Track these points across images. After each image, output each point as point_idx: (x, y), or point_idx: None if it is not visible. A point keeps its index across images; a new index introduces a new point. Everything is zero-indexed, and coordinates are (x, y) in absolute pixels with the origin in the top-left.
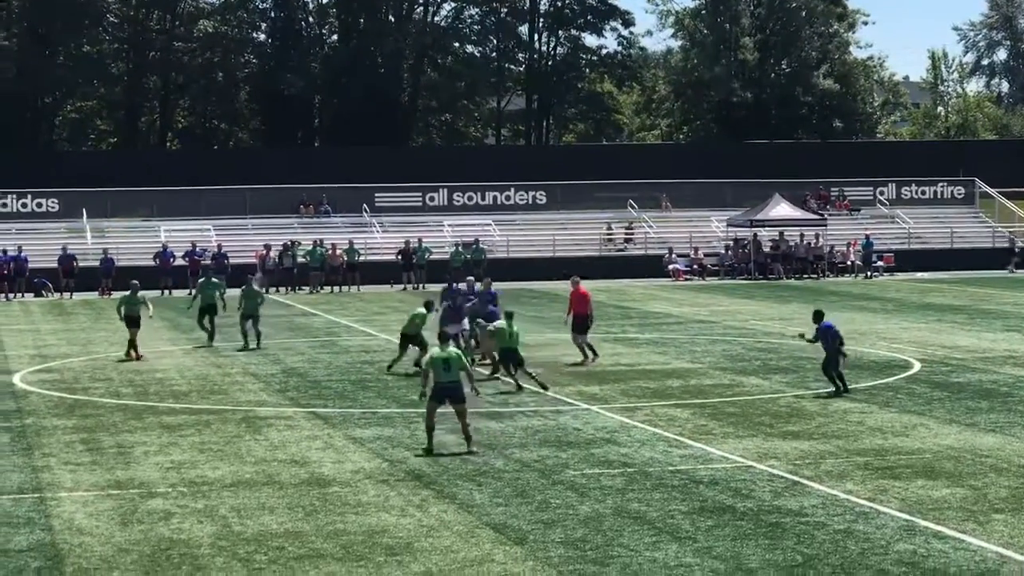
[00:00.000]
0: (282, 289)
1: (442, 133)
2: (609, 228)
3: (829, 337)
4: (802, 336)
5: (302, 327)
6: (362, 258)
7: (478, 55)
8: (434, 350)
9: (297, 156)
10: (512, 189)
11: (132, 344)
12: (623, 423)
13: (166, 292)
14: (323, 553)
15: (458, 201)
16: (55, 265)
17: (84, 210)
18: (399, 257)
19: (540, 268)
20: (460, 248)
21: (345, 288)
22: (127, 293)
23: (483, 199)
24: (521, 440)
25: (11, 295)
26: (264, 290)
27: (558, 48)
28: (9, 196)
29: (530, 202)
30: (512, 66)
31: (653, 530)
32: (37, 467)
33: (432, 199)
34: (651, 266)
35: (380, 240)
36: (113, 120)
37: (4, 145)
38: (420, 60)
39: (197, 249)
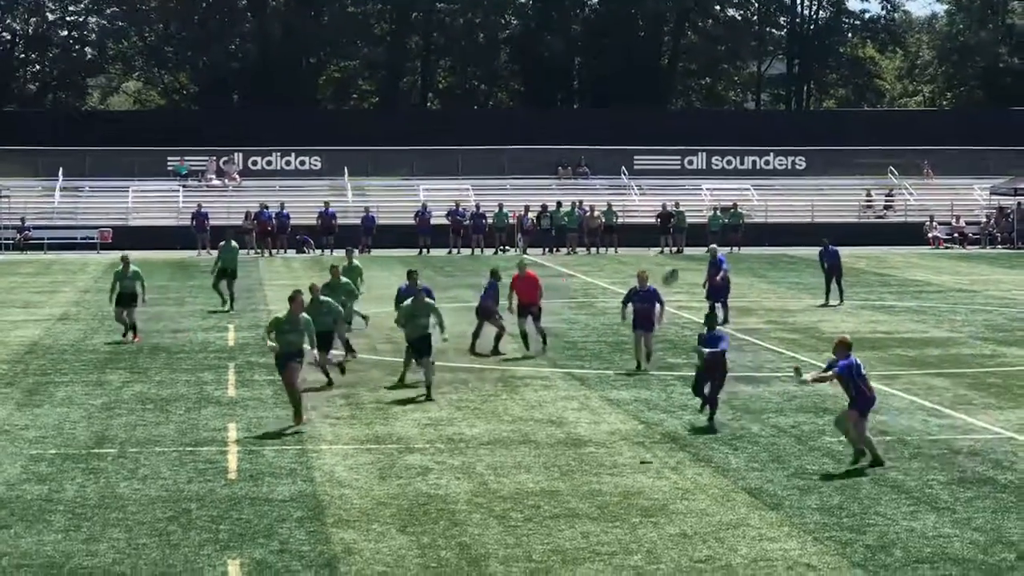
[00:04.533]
0: (540, 250)
1: (701, 96)
2: (869, 195)
3: None
4: None
5: (559, 288)
6: (620, 220)
7: (739, 18)
8: None
9: (556, 117)
10: (771, 154)
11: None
12: (881, 391)
13: (424, 251)
14: (578, 513)
15: (717, 165)
16: (316, 222)
17: (346, 168)
18: (657, 220)
19: (798, 234)
20: (718, 212)
21: (602, 250)
22: (223, 244)
23: (742, 163)
24: (778, 405)
25: (274, 251)
26: (522, 250)
27: (820, 12)
28: (273, 154)
29: (789, 167)
30: (774, 30)
31: (911, 499)
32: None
33: (691, 162)
34: (911, 233)
35: (638, 203)
36: (375, 80)
37: (269, 104)
38: (681, 22)
39: (459, 209)
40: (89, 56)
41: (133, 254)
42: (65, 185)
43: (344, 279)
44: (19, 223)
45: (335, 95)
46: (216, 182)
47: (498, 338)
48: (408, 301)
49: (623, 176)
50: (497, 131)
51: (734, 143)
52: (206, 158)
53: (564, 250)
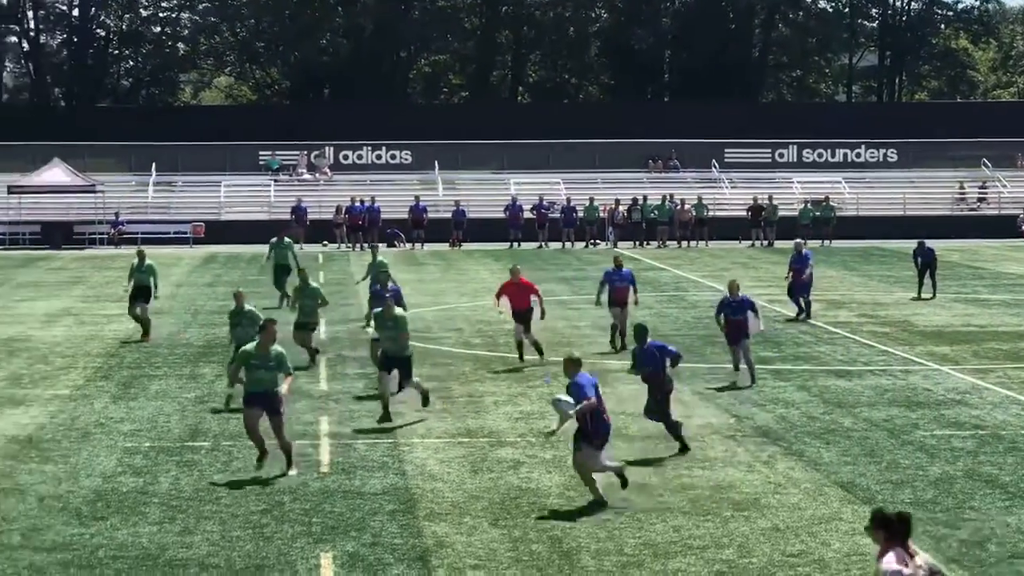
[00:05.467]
0: (630, 243)
1: (792, 89)
2: (961, 187)
3: None
4: None
5: (650, 281)
6: (710, 214)
7: (830, 10)
8: None
9: (646, 110)
10: (863, 146)
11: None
12: (975, 384)
13: (515, 245)
14: (671, 506)
15: (808, 158)
16: (407, 216)
17: (436, 162)
18: (748, 213)
19: (890, 226)
20: (809, 205)
21: (693, 243)
22: (274, 240)
23: (833, 156)
24: (870, 399)
25: (364, 245)
26: (612, 244)
27: (913, 3)
28: (364, 148)
29: (881, 160)
30: (865, 21)
31: (1006, 494)
32: (391, 412)
33: (781, 155)
34: (1004, 226)
35: (729, 196)
36: (465, 74)
37: (360, 98)
38: (772, 15)
39: (543, 202)
40: (182, 52)
41: (224, 248)
42: (158, 180)
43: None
44: (113, 218)
45: (425, 89)
46: (307, 176)
47: (619, 331)
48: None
49: (714, 169)
50: (587, 125)
51: (825, 136)
52: (297, 153)
53: (654, 243)
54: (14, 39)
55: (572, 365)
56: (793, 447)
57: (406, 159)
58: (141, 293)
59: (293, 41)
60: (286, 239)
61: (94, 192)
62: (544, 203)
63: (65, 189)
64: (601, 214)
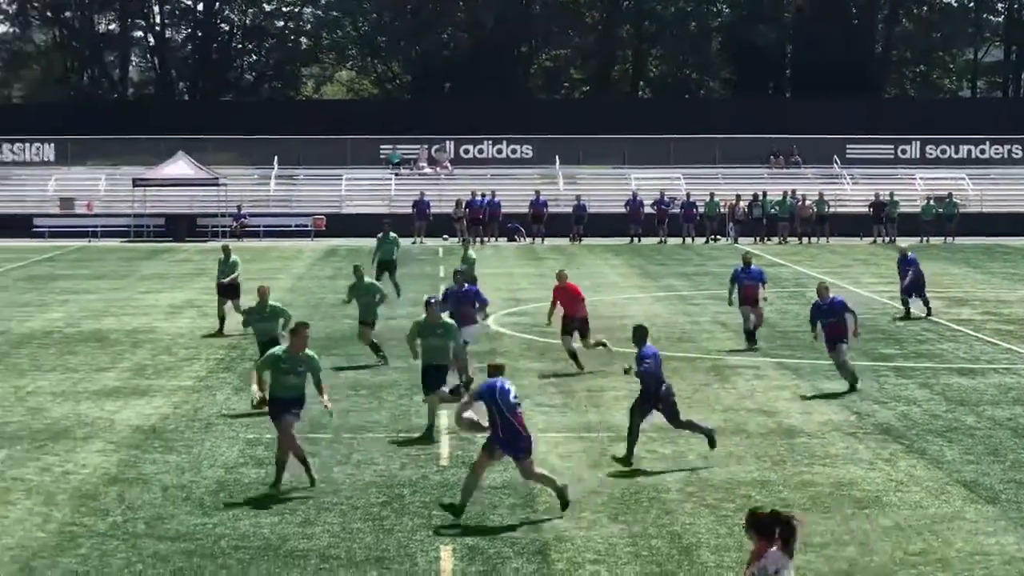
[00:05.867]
0: (751, 239)
1: (916, 84)
2: None
3: None
4: None
5: (770, 278)
6: (831, 210)
7: (955, 5)
8: None
9: (767, 106)
10: (987, 143)
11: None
12: None
13: (635, 240)
14: (791, 503)
15: (931, 154)
16: (527, 210)
17: (557, 157)
18: (869, 209)
19: (1014, 223)
20: (932, 202)
21: (814, 239)
22: (381, 235)
23: (956, 152)
24: (994, 397)
25: (485, 239)
26: (732, 239)
27: None
28: (485, 142)
29: (1006, 156)
30: (991, 16)
31: None
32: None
33: (904, 151)
34: None
35: (850, 192)
36: (586, 68)
37: (480, 93)
38: (895, 10)
39: (664, 198)
40: (304, 46)
41: (345, 241)
42: (280, 173)
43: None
44: (235, 210)
45: (546, 84)
46: (428, 170)
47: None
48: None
49: (835, 165)
50: (708, 120)
51: (949, 131)
52: (418, 146)
53: (775, 239)
54: (140, 34)
55: (492, 369)
56: (915, 445)
57: (527, 153)
58: (229, 289)
59: (414, 35)
60: (391, 234)
61: (217, 185)
62: (665, 199)
63: (189, 182)
64: (721, 209)
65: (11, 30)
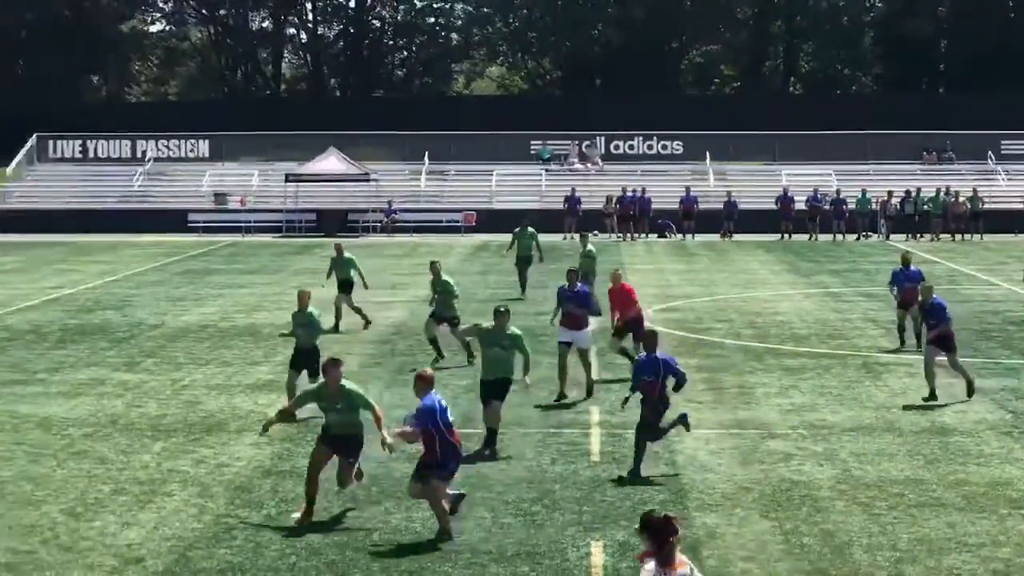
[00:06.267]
0: (903, 236)
1: None
2: None
3: None
4: None
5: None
6: (986, 206)
7: None
8: None
9: (920, 101)
10: None
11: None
12: None
13: (786, 236)
14: (944, 502)
15: None
16: (677, 206)
17: (707, 153)
18: None
19: None
20: None
21: (967, 236)
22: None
23: None
24: None
25: (635, 235)
26: (884, 236)
27: None
28: (636, 138)
29: None
30: None
31: None
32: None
33: None
34: None
35: (1005, 188)
36: (737, 64)
37: (631, 88)
38: None
39: (817, 195)
40: (455, 42)
41: (496, 236)
42: (431, 169)
43: (446, 278)
44: (386, 206)
45: (696, 80)
46: (578, 166)
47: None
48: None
49: (990, 161)
50: (860, 115)
51: None
52: (568, 142)
53: (928, 236)
54: (293, 31)
55: (421, 383)
56: None
57: (677, 149)
58: (346, 286)
59: (565, 31)
60: (529, 228)
61: (368, 181)
62: (817, 195)
63: (340, 178)
64: (873, 206)
65: (167, 28)
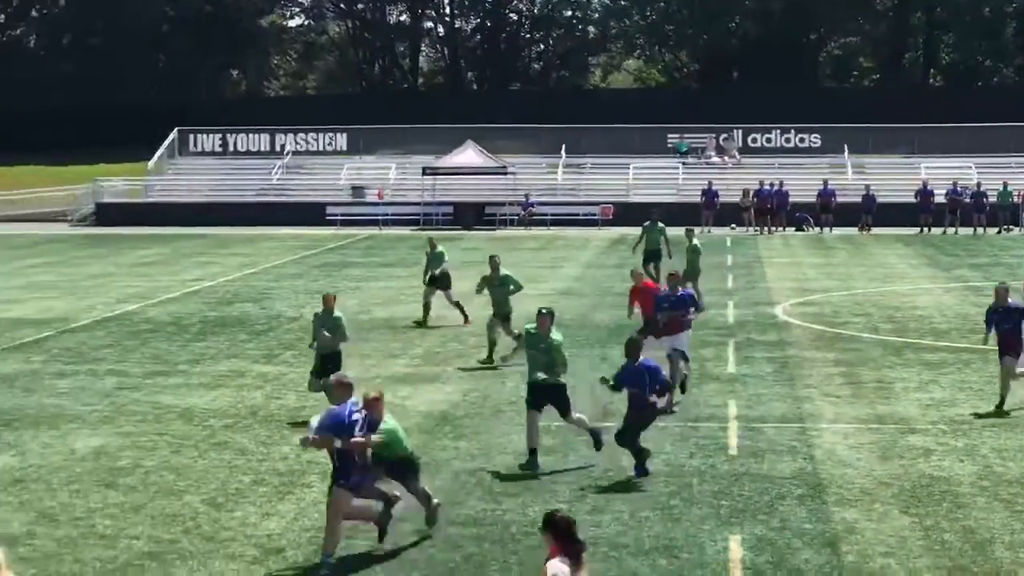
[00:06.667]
0: None
1: None
2: None
3: None
4: None
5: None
6: None
7: None
8: None
9: None
10: None
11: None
12: None
13: (925, 230)
14: None
15: None
16: (815, 199)
17: (845, 146)
18: None
19: None
20: None
21: None
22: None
23: None
24: None
25: (773, 228)
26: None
27: None
28: (773, 131)
29: None
30: None
31: None
32: (799, 397)
33: None
34: None
35: None
36: (877, 56)
37: (768, 81)
38: None
39: (957, 187)
40: (592, 35)
41: (632, 230)
42: (568, 162)
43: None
44: (523, 199)
45: (835, 72)
46: (715, 159)
47: None
48: (533, 324)
49: None
50: (1001, 107)
51: None
52: (705, 136)
53: None
54: (430, 24)
55: (339, 390)
56: None
57: (815, 142)
58: (436, 281)
59: (702, 24)
60: (659, 223)
61: (505, 174)
62: (958, 188)
63: (477, 171)
64: (1015, 199)
65: (306, 22)
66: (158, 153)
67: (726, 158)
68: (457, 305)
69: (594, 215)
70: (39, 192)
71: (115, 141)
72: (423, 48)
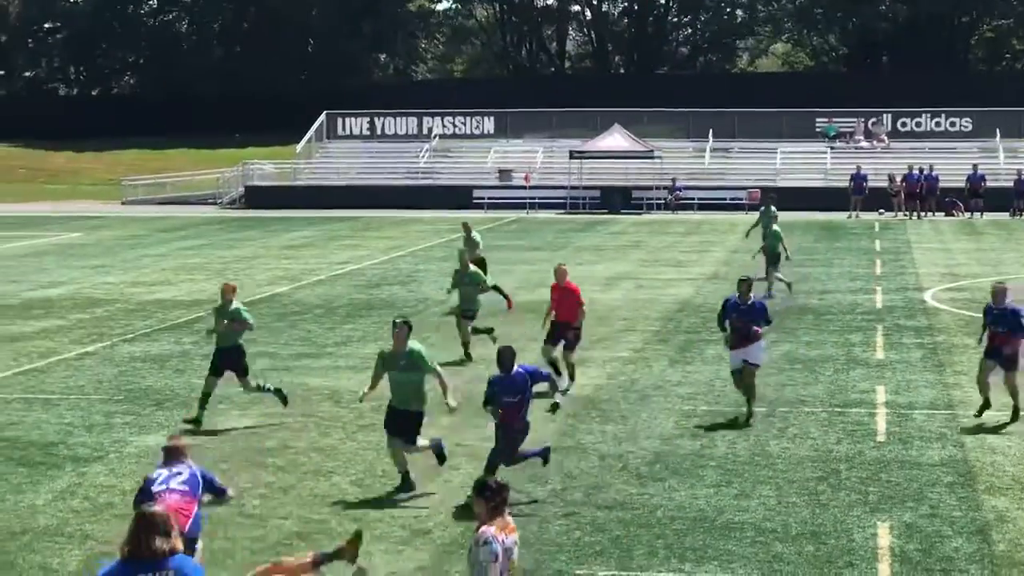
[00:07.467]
0: None
1: None
2: None
3: None
4: None
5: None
6: None
7: None
8: None
9: None
10: None
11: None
12: None
13: None
14: None
15: None
16: (964, 185)
17: (997, 130)
18: None
19: None
20: None
21: None
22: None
23: None
24: None
25: (922, 213)
26: None
27: None
28: (923, 115)
29: None
30: None
31: None
32: (948, 384)
33: None
34: None
35: None
36: None
37: (918, 65)
38: None
39: None
40: (739, 19)
41: (782, 215)
42: (715, 146)
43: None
44: (670, 183)
45: (987, 55)
46: (864, 144)
47: None
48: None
49: None
50: None
51: None
52: (854, 120)
53: None
54: (577, 8)
55: (173, 453)
56: None
57: (965, 126)
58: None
59: (851, 7)
60: (772, 208)
61: (652, 158)
62: None
63: (624, 155)
64: None
65: (453, 6)
66: (307, 136)
67: (875, 142)
68: (497, 289)
69: (741, 199)
70: (189, 176)
71: (264, 126)
72: (570, 32)
